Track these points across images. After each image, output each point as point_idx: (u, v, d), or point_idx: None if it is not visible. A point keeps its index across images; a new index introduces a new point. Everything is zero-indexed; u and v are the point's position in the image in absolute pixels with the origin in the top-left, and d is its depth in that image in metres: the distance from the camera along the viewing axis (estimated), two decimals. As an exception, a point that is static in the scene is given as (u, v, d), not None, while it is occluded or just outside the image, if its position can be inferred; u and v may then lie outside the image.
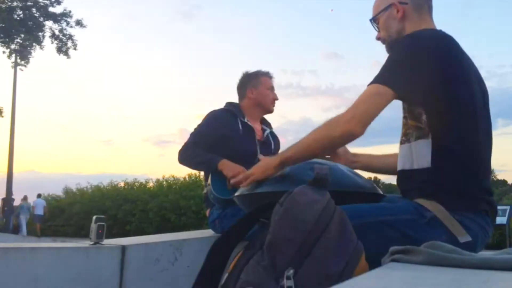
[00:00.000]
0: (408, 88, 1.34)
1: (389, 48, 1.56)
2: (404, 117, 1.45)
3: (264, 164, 1.49)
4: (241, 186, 1.52)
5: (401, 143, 1.47)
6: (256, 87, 2.52)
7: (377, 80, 1.35)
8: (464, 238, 1.26)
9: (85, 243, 1.82)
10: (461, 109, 1.35)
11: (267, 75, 2.58)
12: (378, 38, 1.60)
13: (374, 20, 1.60)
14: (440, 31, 1.46)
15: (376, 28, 1.60)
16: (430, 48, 1.35)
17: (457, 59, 1.39)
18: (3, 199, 16.08)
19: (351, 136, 1.35)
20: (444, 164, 1.34)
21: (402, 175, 1.45)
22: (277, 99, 2.58)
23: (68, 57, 18.22)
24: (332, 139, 1.39)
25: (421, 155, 1.36)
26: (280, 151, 2.63)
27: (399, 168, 1.47)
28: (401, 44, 1.42)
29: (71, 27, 17.92)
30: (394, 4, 1.52)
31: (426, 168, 1.35)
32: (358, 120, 1.32)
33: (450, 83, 1.34)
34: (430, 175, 1.34)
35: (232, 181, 1.57)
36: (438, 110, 1.35)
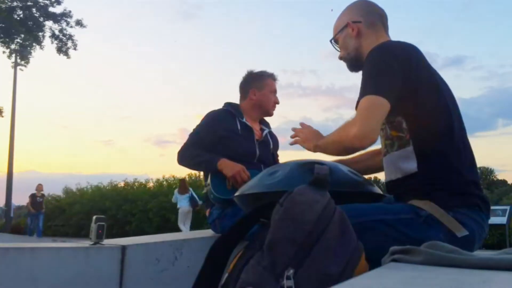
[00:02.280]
0: (394, 94, 1.37)
1: (351, 66, 1.66)
2: (383, 129, 1.49)
3: (312, 137, 1.59)
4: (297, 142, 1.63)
5: (384, 154, 1.52)
6: (260, 89, 2.51)
7: (374, 91, 1.36)
8: (462, 232, 1.29)
9: (85, 243, 1.82)
10: (436, 111, 1.41)
11: (272, 78, 2.57)
12: (340, 58, 1.69)
13: (334, 40, 1.69)
14: (406, 42, 1.51)
15: (337, 48, 1.69)
16: (401, 56, 1.40)
17: (425, 65, 1.45)
18: (32, 196, 15.28)
19: (359, 150, 1.44)
20: (430, 166, 1.38)
21: (391, 185, 1.49)
22: (278, 103, 2.57)
23: (68, 57, 18.24)
24: (343, 149, 1.46)
25: (406, 163, 1.41)
26: (278, 151, 2.65)
27: (386, 179, 1.52)
28: (377, 54, 1.44)
29: (71, 27, 17.95)
30: (349, 24, 1.61)
31: (414, 174, 1.39)
32: (367, 137, 1.35)
33: (423, 87, 1.39)
34: (419, 179, 1.38)
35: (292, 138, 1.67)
36: (416, 116, 1.40)
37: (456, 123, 1.43)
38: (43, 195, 15.97)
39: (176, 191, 12.06)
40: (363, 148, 1.41)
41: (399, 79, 1.37)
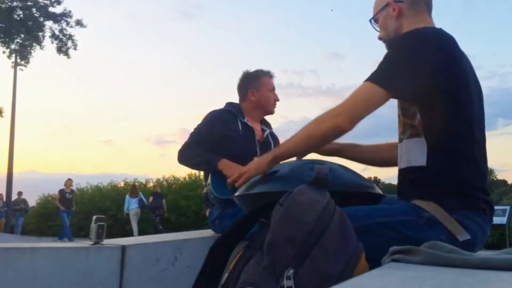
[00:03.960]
0: (404, 88, 1.34)
1: (389, 46, 1.56)
2: (398, 115, 1.46)
3: (258, 161, 1.51)
4: (236, 185, 1.52)
5: (399, 141, 1.48)
6: (257, 90, 2.51)
7: (374, 79, 1.34)
8: (463, 236, 1.26)
9: (85, 243, 1.82)
10: (457, 109, 1.35)
11: (268, 75, 2.56)
12: (379, 38, 1.61)
13: (374, 20, 1.61)
14: (441, 29, 1.45)
15: (377, 28, 1.61)
16: (431, 47, 1.34)
17: (457, 59, 1.38)
18: (60, 191, 13.95)
19: (339, 131, 1.36)
20: (440, 164, 1.34)
21: (400, 173, 1.46)
22: (278, 100, 2.57)
23: (68, 57, 18.20)
24: (320, 134, 1.39)
25: (415, 153, 1.37)
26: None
27: (399, 167, 1.47)
28: (401, 42, 1.41)
29: (71, 27, 17.91)
30: (390, 3, 1.54)
31: (422, 167, 1.36)
32: (346, 115, 1.33)
33: (449, 83, 1.34)
34: (426, 174, 1.35)
35: (228, 180, 1.57)
36: (434, 110, 1.35)
37: (475, 126, 1.38)
38: (72, 191, 14.42)
39: (127, 195, 13.96)
40: (342, 128, 1.34)
41: (420, 69, 1.32)
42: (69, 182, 14.21)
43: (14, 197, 17.62)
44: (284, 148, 1.46)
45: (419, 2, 1.52)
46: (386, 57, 1.39)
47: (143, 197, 13.89)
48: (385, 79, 1.34)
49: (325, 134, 1.38)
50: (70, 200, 13.87)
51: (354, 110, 1.34)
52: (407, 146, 1.41)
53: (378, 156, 1.73)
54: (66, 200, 13.72)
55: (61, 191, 13.85)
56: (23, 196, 17.23)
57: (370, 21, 1.62)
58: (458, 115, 1.35)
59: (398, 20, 1.53)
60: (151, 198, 13.84)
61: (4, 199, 17.98)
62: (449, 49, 1.38)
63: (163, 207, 13.78)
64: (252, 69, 2.60)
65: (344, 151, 1.76)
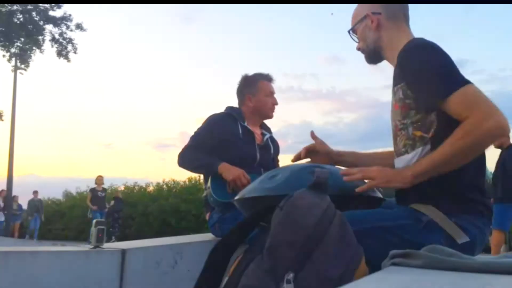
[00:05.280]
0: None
1: (369, 58, 1.58)
2: (404, 128, 1.42)
3: (392, 174, 1.38)
4: (352, 179, 1.40)
5: (400, 154, 1.46)
6: (254, 95, 2.49)
7: (462, 84, 1.28)
8: (463, 239, 1.26)
9: (85, 247, 1.82)
10: None
11: (266, 79, 2.54)
12: (358, 49, 1.62)
13: (353, 31, 1.62)
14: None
15: (355, 39, 1.62)
16: (444, 52, 1.35)
17: None
18: (91, 190, 12.45)
19: (501, 129, 1.25)
20: None
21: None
22: (276, 104, 2.54)
23: (68, 60, 18.22)
24: (481, 143, 1.28)
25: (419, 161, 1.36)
26: (278, 156, 2.64)
27: None
28: (426, 53, 1.37)
29: (71, 30, 17.93)
30: (368, 15, 1.54)
31: None
32: (494, 113, 1.23)
33: None
34: (426, 180, 1.33)
35: (346, 178, 1.39)
36: (448, 116, 1.31)
37: None
38: (105, 190, 12.69)
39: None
40: (503, 125, 1.23)
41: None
42: (100, 178, 12.48)
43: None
44: (427, 166, 1.31)
45: (397, 13, 1.53)
46: (433, 68, 1.33)
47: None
48: (464, 79, 1.29)
49: (487, 139, 1.28)
50: (102, 199, 12.31)
51: (493, 106, 1.25)
52: (415, 158, 1.38)
53: (380, 163, 1.70)
54: (98, 199, 12.13)
55: (92, 190, 12.33)
56: (20, 201, 16.13)
57: (348, 32, 1.63)
58: (455, 121, 1.33)
59: (377, 32, 1.53)
60: (112, 202, 13.75)
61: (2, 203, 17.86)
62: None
63: (121, 212, 13.89)
64: (252, 73, 2.59)
65: (343, 160, 1.74)
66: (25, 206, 16.08)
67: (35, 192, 15.94)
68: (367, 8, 1.55)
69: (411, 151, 1.40)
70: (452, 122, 1.29)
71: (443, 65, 1.33)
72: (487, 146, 1.32)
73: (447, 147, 1.27)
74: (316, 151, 1.72)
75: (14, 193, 17.32)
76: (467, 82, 1.29)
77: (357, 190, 1.37)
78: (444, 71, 1.32)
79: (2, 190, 15.60)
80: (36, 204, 15.42)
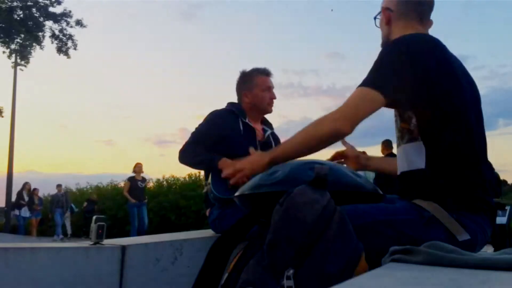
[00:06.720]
0: (396, 93, 1.36)
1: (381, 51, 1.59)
2: (396, 121, 1.48)
3: (254, 160, 1.53)
4: (231, 182, 1.55)
5: (397, 146, 1.50)
6: (250, 90, 2.48)
7: (369, 83, 1.36)
8: (463, 236, 1.27)
9: (85, 243, 1.82)
10: (451, 112, 1.36)
11: (263, 74, 2.52)
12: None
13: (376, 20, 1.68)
14: (426, 34, 1.49)
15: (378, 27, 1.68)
16: (414, 52, 1.37)
17: (447, 63, 1.39)
18: (130, 179, 10.71)
19: (338, 134, 1.37)
20: (439, 165, 1.35)
21: (401, 177, 1.47)
22: (274, 98, 2.53)
23: (68, 57, 18.21)
24: (319, 138, 1.39)
25: (414, 157, 1.39)
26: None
27: (398, 171, 1.49)
28: (387, 49, 1.44)
29: (71, 27, 17.93)
30: (383, 9, 1.61)
31: (421, 170, 1.37)
32: (346, 118, 1.34)
33: (437, 86, 1.35)
34: (426, 176, 1.36)
35: (222, 174, 1.58)
36: (427, 114, 1.36)
37: (474, 125, 1.39)
38: (144, 179, 10.92)
39: None
40: (341, 131, 1.35)
41: (406, 75, 1.34)
42: (139, 166, 10.70)
43: (14, 197, 17.08)
44: (282, 151, 1.46)
45: (409, 12, 1.56)
46: (376, 63, 1.41)
47: (73, 206, 15.25)
48: (379, 83, 1.35)
49: (324, 137, 1.39)
50: (142, 190, 10.57)
51: (355, 114, 1.34)
52: (406, 150, 1.42)
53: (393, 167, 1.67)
54: (138, 190, 10.44)
55: (131, 179, 10.57)
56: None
57: (374, 18, 1.69)
58: (452, 118, 1.36)
59: (388, 27, 1.59)
60: (85, 204, 14.29)
61: (5, 199, 17.86)
62: (438, 53, 1.40)
63: (94, 213, 13.79)
64: (245, 69, 2.58)
65: (370, 165, 1.84)
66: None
67: (59, 186, 14.79)
68: (384, 2, 1.62)
69: (402, 143, 1.45)
70: (431, 116, 1.35)
71: (381, 61, 1.39)
72: (326, 143, 1.41)
73: (300, 132, 1.40)
74: (346, 155, 1.82)
75: (14, 189, 17.32)
76: (368, 84, 1.35)
77: (231, 182, 1.53)
78: (374, 67, 1.39)
79: (27, 183, 14.70)
80: (60, 199, 14.17)
